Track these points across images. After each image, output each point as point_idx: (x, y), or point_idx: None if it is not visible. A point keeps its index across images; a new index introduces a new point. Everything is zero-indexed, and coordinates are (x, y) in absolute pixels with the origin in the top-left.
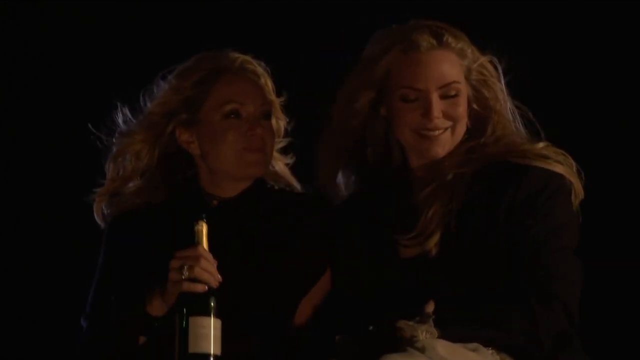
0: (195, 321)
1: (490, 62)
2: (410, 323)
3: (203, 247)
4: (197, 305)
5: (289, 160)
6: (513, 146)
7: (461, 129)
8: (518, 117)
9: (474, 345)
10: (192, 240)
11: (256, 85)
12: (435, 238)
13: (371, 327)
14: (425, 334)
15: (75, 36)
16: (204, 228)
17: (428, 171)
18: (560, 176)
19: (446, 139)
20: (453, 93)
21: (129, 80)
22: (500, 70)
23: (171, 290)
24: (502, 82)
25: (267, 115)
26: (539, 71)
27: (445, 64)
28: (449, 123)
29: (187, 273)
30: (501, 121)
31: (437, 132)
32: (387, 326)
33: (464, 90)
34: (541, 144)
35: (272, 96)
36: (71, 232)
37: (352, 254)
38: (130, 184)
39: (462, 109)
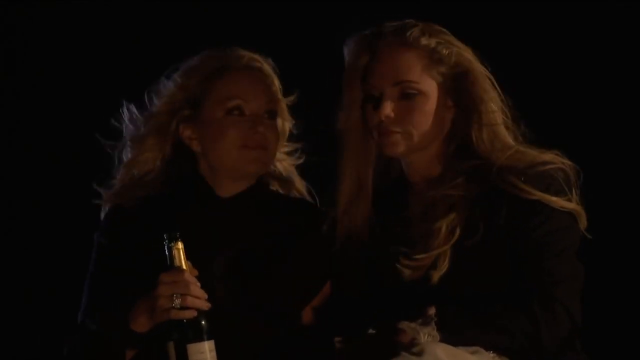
0: (193, 348)
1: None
2: (412, 325)
3: (187, 270)
4: (192, 332)
5: (295, 162)
6: (510, 153)
7: (422, 136)
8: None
9: (475, 348)
10: (172, 259)
11: (262, 83)
12: (442, 269)
13: (370, 330)
14: (427, 336)
15: (77, 36)
16: (181, 246)
17: (429, 188)
18: (559, 175)
19: (398, 140)
20: (410, 92)
21: (132, 80)
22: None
23: (160, 316)
24: (495, 85)
25: (272, 114)
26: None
27: (403, 62)
28: (399, 127)
29: (178, 302)
30: (490, 122)
31: (386, 131)
32: (388, 328)
33: (429, 91)
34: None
35: (279, 95)
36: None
37: (352, 259)
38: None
39: (418, 115)
